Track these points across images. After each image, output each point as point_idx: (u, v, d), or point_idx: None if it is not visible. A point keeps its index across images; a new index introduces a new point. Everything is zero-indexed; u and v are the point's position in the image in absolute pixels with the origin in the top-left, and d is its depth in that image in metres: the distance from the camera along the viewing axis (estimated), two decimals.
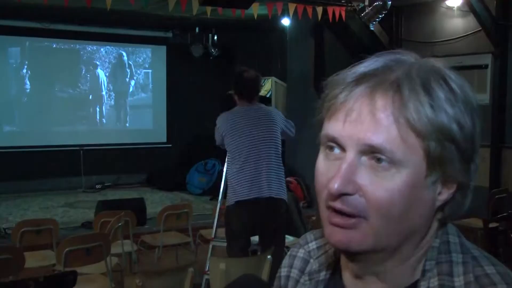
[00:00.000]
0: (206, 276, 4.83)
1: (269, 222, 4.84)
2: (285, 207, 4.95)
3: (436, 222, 0.97)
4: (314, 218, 6.56)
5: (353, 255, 0.97)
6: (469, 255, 0.96)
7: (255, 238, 5.07)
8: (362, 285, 1.02)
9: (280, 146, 4.96)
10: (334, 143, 0.93)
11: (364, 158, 0.90)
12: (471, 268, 0.94)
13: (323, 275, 1.11)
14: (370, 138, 0.88)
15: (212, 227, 5.45)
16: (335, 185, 0.89)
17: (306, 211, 7.22)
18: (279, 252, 4.79)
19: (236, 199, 4.76)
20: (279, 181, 4.86)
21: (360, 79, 0.92)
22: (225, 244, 5.50)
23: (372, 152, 0.89)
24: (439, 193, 0.93)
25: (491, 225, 5.81)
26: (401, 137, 0.88)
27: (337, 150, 0.93)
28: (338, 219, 0.92)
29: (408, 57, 0.96)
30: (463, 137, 0.90)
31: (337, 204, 0.91)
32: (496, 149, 8.30)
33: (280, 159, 4.95)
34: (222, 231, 5.78)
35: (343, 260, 1.06)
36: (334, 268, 1.11)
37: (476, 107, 0.94)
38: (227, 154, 4.97)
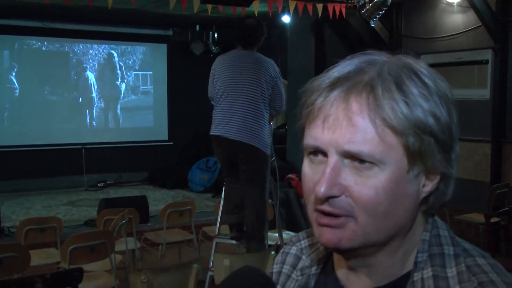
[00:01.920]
0: (210, 273, 4.86)
1: (239, 163, 5.05)
2: (255, 155, 5.03)
3: (420, 214, 1.00)
4: None
5: (344, 252, 1.00)
6: (460, 247, 0.99)
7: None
8: (355, 277, 1.04)
9: (266, 95, 5.04)
10: (316, 150, 0.96)
11: (347, 160, 0.92)
12: (462, 259, 0.97)
13: (314, 269, 1.14)
14: (348, 146, 0.91)
15: (215, 224, 5.47)
16: (322, 189, 0.91)
17: None
18: (251, 204, 5.03)
19: (211, 133, 5.08)
20: (253, 128, 4.96)
21: (334, 84, 0.94)
22: (228, 241, 5.54)
23: (352, 156, 0.92)
24: (423, 185, 0.96)
25: (493, 220, 5.82)
26: (379, 137, 0.90)
27: (320, 156, 0.96)
28: (326, 220, 0.95)
29: (380, 56, 0.98)
30: (440, 128, 0.93)
31: (325, 207, 0.94)
32: (497, 144, 8.31)
33: (262, 108, 5.03)
34: (224, 228, 5.82)
35: (336, 255, 1.09)
36: (325, 262, 1.13)
37: (450, 97, 0.96)
38: None
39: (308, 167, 0.98)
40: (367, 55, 0.99)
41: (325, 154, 0.94)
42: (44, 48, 11.90)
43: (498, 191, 7.02)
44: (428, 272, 0.96)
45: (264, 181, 5.16)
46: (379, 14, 7.91)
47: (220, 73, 5.08)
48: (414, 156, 0.92)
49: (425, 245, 1.00)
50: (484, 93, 8.49)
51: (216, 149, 5.16)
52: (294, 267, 1.19)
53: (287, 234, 6.21)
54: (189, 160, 12.22)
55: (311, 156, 0.97)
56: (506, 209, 5.82)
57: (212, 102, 5.23)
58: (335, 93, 0.93)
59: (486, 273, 0.93)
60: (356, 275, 1.03)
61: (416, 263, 0.98)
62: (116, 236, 5.36)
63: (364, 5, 7.88)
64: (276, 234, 5.76)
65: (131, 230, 6.06)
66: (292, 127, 10.42)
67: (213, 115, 5.14)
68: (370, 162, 0.90)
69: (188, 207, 6.61)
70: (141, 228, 7.25)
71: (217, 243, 5.26)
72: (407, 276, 0.99)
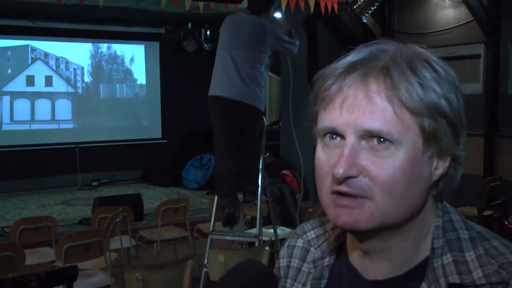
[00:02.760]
0: (205, 269, 4.86)
1: (235, 122, 5.11)
2: (252, 113, 5.13)
3: (430, 198, 1.01)
4: (310, 210, 6.60)
5: (360, 234, 1.01)
6: (474, 230, 1.01)
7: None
8: (371, 265, 1.05)
9: (265, 57, 5.16)
10: (333, 133, 0.97)
11: (364, 142, 0.94)
12: (478, 243, 0.99)
13: (327, 260, 1.14)
14: (367, 124, 0.92)
15: (210, 221, 5.47)
16: (340, 170, 0.93)
17: (302, 203, 7.25)
18: (246, 165, 5.16)
19: (209, 94, 5.17)
20: (250, 88, 5.05)
21: (351, 68, 0.96)
22: (223, 238, 5.55)
23: (370, 135, 0.93)
24: (435, 168, 0.98)
25: (486, 213, 5.83)
26: (397, 116, 0.92)
27: (336, 138, 0.97)
28: (343, 201, 0.95)
29: (391, 46, 1.00)
30: (452, 111, 0.95)
31: (343, 188, 0.94)
32: (490, 138, 8.35)
33: (259, 70, 5.13)
34: (219, 224, 5.82)
35: (350, 242, 1.10)
36: (337, 253, 1.14)
37: (458, 85, 0.99)
38: None
39: (322, 152, 0.99)
40: (378, 44, 1.01)
41: (341, 136, 0.96)
42: (36, 48, 11.84)
43: (491, 184, 7.05)
44: (448, 258, 0.98)
45: (260, 135, 5.30)
46: (371, 9, 7.94)
47: (223, 33, 5.24)
48: (429, 137, 0.94)
49: (439, 231, 1.01)
50: (477, 87, 8.52)
51: (214, 110, 5.19)
52: (303, 260, 1.19)
53: (281, 230, 6.22)
54: (183, 157, 12.23)
55: (326, 140, 0.98)
56: (499, 202, 5.85)
57: None
58: (352, 76, 0.96)
59: (504, 255, 0.95)
60: (371, 262, 1.04)
61: (433, 249, 1.00)
62: (110, 234, 5.36)
63: (356, 1, 7.91)
64: (271, 230, 5.77)
65: (125, 228, 6.06)
66: (286, 123, 10.43)
67: (212, 76, 5.27)
68: (388, 141, 0.92)
69: (183, 204, 6.62)
70: (136, 226, 7.26)
71: (212, 239, 5.26)
72: (425, 263, 1.00)
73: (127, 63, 12.88)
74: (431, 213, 1.03)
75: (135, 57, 12.96)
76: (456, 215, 1.04)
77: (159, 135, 13.04)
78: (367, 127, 0.92)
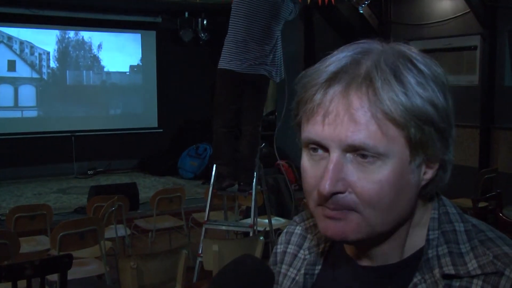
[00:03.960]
0: (199, 259, 4.87)
1: (244, 94, 5.26)
2: (264, 83, 5.34)
3: (419, 199, 1.01)
4: (305, 200, 6.61)
5: (351, 243, 1.02)
6: (469, 223, 1.01)
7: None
8: (363, 255, 1.05)
9: (279, 29, 5.35)
10: (316, 145, 0.95)
11: (349, 155, 0.92)
12: (474, 235, 0.99)
13: (322, 247, 1.15)
14: (351, 138, 0.90)
15: (204, 211, 5.49)
16: (326, 186, 0.91)
17: (297, 193, 7.26)
18: (248, 133, 5.29)
19: (223, 67, 5.22)
20: (266, 60, 5.24)
21: (332, 79, 0.93)
22: (218, 227, 5.56)
23: (355, 150, 0.91)
24: (424, 173, 0.97)
25: (481, 204, 5.85)
26: (381, 131, 0.90)
27: (320, 151, 0.95)
28: (332, 213, 0.94)
29: (374, 45, 0.97)
30: (439, 117, 0.93)
31: (329, 205, 0.94)
32: (485, 129, 8.37)
33: (274, 45, 5.33)
34: (214, 214, 5.83)
35: None
36: (332, 241, 1.13)
37: (446, 82, 0.96)
38: None
39: (308, 163, 0.98)
40: (360, 44, 0.98)
41: (325, 149, 0.94)
42: (33, 36, 11.81)
43: (486, 176, 7.07)
44: (443, 249, 0.98)
45: (261, 112, 5.52)
46: (367, 0, 7.92)
47: (236, 9, 5.26)
48: (416, 146, 0.92)
49: (435, 223, 1.01)
50: (473, 78, 8.53)
51: (223, 83, 5.27)
52: (300, 246, 1.20)
53: (276, 220, 6.24)
54: (179, 147, 12.23)
55: (311, 152, 0.97)
56: (494, 193, 5.86)
57: None
58: (334, 89, 0.92)
59: (499, 246, 0.96)
60: (364, 254, 1.05)
61: (428, 240, 1.00)
62: (105, 223, 5.37)
63: None
64: (266, 220, 5.79)
65: (121, 217, 6.07)
66: (281, 113, 10.43)
67: (223, 50, 5.27)
68: (373, 156, 0.90)
69: (178, 194, 6.63)
70: (131, 215, 7.27)
71: (206, 229, 5.28)
72: (419, 253, 1.01)
73: (123, 52, 12.85)
74: (421, 210, 1.03)
75: (131, 46, 12.92)
76: (452, 208, 1.04)
77: (155, 124, 13.03)
78: (352, 142, 0.90)
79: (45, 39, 11.95)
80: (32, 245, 5.51)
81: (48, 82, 12.09)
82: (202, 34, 12.64)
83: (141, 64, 12.99)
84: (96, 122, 12.39)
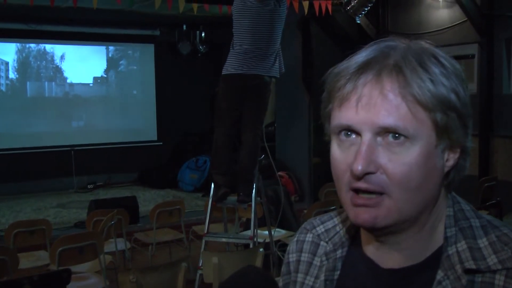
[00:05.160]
0: (199, 271, 4.86)
1: (246, 101, 5.28)
2: (265, 87, 5.35)
3: (443, 188, 1.05)
4: (305, 211, 6.60)
5: (378, 230, 1.03)
6: (484, 219, 1.05)
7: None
8: (386, 254, 1.07)
9: (280, 34, 5.40)
10: (349, 130, 1.00)
11: (380, 139, 0.97)
12: (490, 230, 1.03)
13: (339, 252, 1.16)
14: (383, 121, 0.95)
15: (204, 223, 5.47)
16: (359, 166, 0.96)
17: (298, 205, 7.25)
18: (247, 143, 5.29)
19: (227, 72, 5.26)
20: (269, 64, 5.28)
21: (363, 68, 0.99)
22: (218, 239, 5.54)
23: (387, 132, 0.96)
24: (447, 160, 1.02)
25: (481, 213, 5.86)
26: (411, 112, 0.95)
27: (352, 136, 1.00)
28: (361, 200, 0.99)
29: (398, 42, 1.03)
30: (461, 104, 0.99)
31: (362, 184, 0.98)
32: (485, 138, 8.35)
33: (277, 48, 5.38)
34: (214, 227, 5.82)
35: (364, 234, 1.12)
36: (349, 245, 1.16)
37: (464, 78, 1.02)
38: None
39: (338, 151, 1.02)
40: (386, 41, 1.04)
41: (357, 133, 0.99)
42: (30, 51, 11.83)
43: (486, 184, 7.06)
44: (462, 245, 1.01)
45: (262, 121, 5.49)
46: (364, 10, 7.93)
47: (240, 21, 5.30)
48: (442, 131, 0.97)
49: (451, 220, 1.05)
50: (471, 87, 8.52)
51: (227, 89, 5.30)
52: (314, 253, 1.21)
53: (276, 232, 6.22)
54: (179, 160, 12.23)
55: (342, 137, 1.01)
56: (494, 201, 5.86)
57: None
58: (366, 75, 0.98)
59: None
60: (387, 252, 1.07)
61: (446, 238, 1.03)
62: (105, 237, 5.36)
63: (349, 2, 7.89)
64: (266, 232, 5.77)
65: (120, 230, 6.05)
66: (281, 125, 10.44)
67: (229, 56, 5.32)
68: (404, 137, 0.95)
69: (177, 207, 6.62)
70: (131, 228, 7.25)
71: (206, 241, 5.26)
72: (439, 252, 1.03)
73: (122, 65, 12.90)
74: (443, 202, 1.06)
75: (130, 59, 12.96)
76: (466, 205, 1.08)
77: (155, 137, 13.02)
78: (384, 123, 0.95)
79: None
80: (32, 261, 5.49)
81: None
82: (201, 47, 12.69)
83: (139, 77, 12.98)
84: (95, 136, 12.37)
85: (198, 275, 4.93)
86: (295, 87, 9.64)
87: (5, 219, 9.05)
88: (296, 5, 8.20)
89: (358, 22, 8.80)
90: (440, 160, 1.00)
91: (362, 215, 0.99)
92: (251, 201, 5.25)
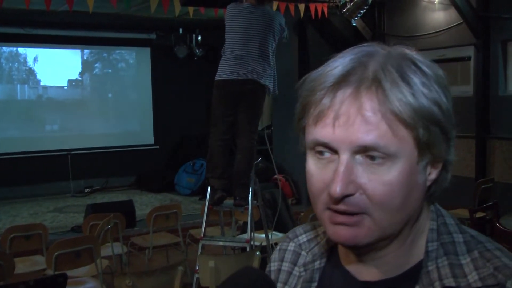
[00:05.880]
0: (196, 275, 4.85)
1: (240, 106, 5.29)
2: (260, 92, 5.37)
3: (424, 201, 1.01)
4: (302, 214, 6.59)
5: (359, 248, 1.00)
6: (468, 234, 1.01)
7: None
8: (365, 269, 1.04)
9: (273, 47, 5.42)
10: (325, 147, 0.95)
11: (359, 157, 0.92)
12: (473, 246, 0.98)
13: (317, 264, 1.14)
14: (363, 139, 0.90)
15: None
16: (337, 189, 0.91)
17: (295, 207, 7.24)
18: (243, 147, 5.31)
19: (220, 78, 5.27)
20: (264, 70, 5.31)
21: (341, 81, 0.93)
22: (214, 243, 5.53)
23: (366, 150, 0.91)
24: (429, 174, 0.98)
25: (478, 215, 5.84)
26: (391, 130, 0.90)
27: (327, 154, 0.95)
28: (341, 218, 0.94)
29: (378, 48, 0.98)
30: (444, 117, 0.94)
31: (341, 207, 0.93)
32: (481, 139, 8.36)
33: (270, 58, 5.41)
34: (211, 230, 5.80)
35: (341, 247, 1.09)
36: (328, 256, 1.13)
37: (446, 84, 0.98)
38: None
39: (314, 167, 0.98)
40: (363, 47, 0.99)
41: (334, 151, 0.94)
42: (26, 55, 11.82)
43: (483, 186, 7.06)
44: (443, 261, 0.97)
45: (257, 125, 5.48)
46: (360, 13, 7.94)
47: (232, 26, 5.32)
48: (424, 147, 0.93)
49: (433, 234, 1.01)
50: (467, 89, 8.54)
51: (221, 95, 5.31)
52: (294, 263, 1.18)
53: (273, 235, 6.21)
54: (176, 163, 12.20)
55: (317, 155, 0.96)
56: (491, 203, 5.85)
57: None
58: (343, 91, 0.93)
59: (499, 257, 0.95)
60: (366, 267, 1.04)
61: (427, 252, 0.99)
62: (101, 241, 5.35)
63: (345, 4, 7.90)
64: (262, 235, 5.76)
65: (117, 234, 6.04)
66: (278, 128, 10.43)
67: (221, 62, 5.32)
68: (382, 157, 0.91)
69: (174, 210, 6.60)
70: (128, 232, 7.24)
71: (203, 245, 5.25)
72: (419, 266, 1.00)
73: (118, 69, 12.90)
74: (426, 215, 1.03)
75: (126, 63, 12.95)
76: (450, 218, 1.04)
77: (152, 141, 13.00)
78: (363, 142, 0.90)
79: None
80: (28, 265, 5.47)
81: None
82: (197, 50, 12.68)
83: (136, 80, 12.96)
84: (92, 140, 12.34)
85: (195, 279, 4.92)
86: (292, 90, 9.63)
87: (2, 223, 9.01)
88: (292, 8, 8.21)
89: (354, 24, 8.82)
90: (422, 176, 0.96)
91: (342, 234, 0.95)
92: (247, 204, 5.24)
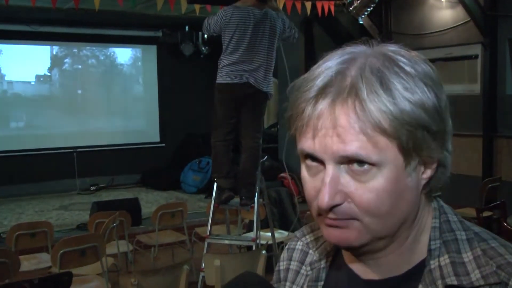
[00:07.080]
0: (202, 274, 4.83)
1: (243, 108, 5.29)
2: (262, 98, 5.36)
3: (423, 197, 1.00)
4: (308, 212, 6.57)
5: (355, 249, 1.00)
6: (471, 231, 1.00)
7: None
8: (366, 267, 1.04)
9: (275, 45, 5.40)
10: (311, 158, 0.95)
11: (344, 166, 0.92)
12: (476, 244, 0.97)
13: (323, 263, 1.14)
14: (343, 150, 0.89)
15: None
16: (325, 200, 0.91)
17: (301, 206, 7.21)
18: (248, 146, 5.32)
19: (223, 81, 5.26)
20: (266, 77, 5.29)
21: (320, 94, 0.92)
22: (220, 241, 5.52)
23: (349, 160, 0.90)
24: (422, 173, 0.96)
25: (485, 214, 5.82)
26: (371, 142, 0.89)
27: (315, 163, 0.95)
28: (332, 221, 0.95)
29: (360, 50, 0.96)
30: (431, 118, 0.91)
31: (330, 216, 0.94)
32: (488, 138, 8.34)
33: (273, 59, 5.39)
34: (217, 228, 5.79)
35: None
36: (333, 255, 1.13)
37: (435, 78, 0.94)
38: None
39: (306, 174, 0.98)
40: (346, 50, 0.97)
41: (321, 162, 0.94)
42: (33, 52, 11.82)
43: (490, 185, 7.03)
44: (445, 259, 0.97)
45: (261, 124, 5.53)
46: (367, 11, 7.91)
47: (232, 27, 5.24)
48: (409, 152, 0.91)
49: (436, 232, 1.00)
50: (475, 87, 8.50)
51: (223, 98, 5.29)
52: (302, 262, 1.19)
53: (279, 234, 6.20)
54: (182, 161, 12.19)
55: (308, 162, 0.97)
56: (498, 202, 5.83)
57: (205, 32, 5.52)
58: (321, 105, 0.91)
59: (502, 255, 0.94)
60: (368, 266, 1.04)
61: (430, 250, 0.99)
62: (107, 239, 5.34)
63: (352, 2, 7.87)
64: (269, 233, 5.75)
65: (123, 232, 6.03)
66: (284, 126, 10.41)
67: (222, 65, 5.28)
68: (367, 164, 0.90)
69: (180, 209, 6.59)
70: (134, 230, 7.23)
71: (209, 243, 5.24)
72: (422, 264, 0.99)
73: (124, 67, 12.90)
74: (426, 213, 1.02)
75: (132, 60, 12.96)
76: (453, 215, 1.03)
77: (158, 139, 13.01)
78: (344, 153, 0.89)
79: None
80: (33, 263, 5.47)
81: None
82: (203, 48, 12.66)
83: (142, 78, 12.95)
84: (98, 138, 12.35)
85: (200, 277, 4.91)
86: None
87: (7, 221, 9.02)
88: (298, 6, 8.19)
89: (361, 22, 8.79)
90: (412, 178, 0.94)
91: (334, 235, 0.96)
92: (253, 203, 5.23)
